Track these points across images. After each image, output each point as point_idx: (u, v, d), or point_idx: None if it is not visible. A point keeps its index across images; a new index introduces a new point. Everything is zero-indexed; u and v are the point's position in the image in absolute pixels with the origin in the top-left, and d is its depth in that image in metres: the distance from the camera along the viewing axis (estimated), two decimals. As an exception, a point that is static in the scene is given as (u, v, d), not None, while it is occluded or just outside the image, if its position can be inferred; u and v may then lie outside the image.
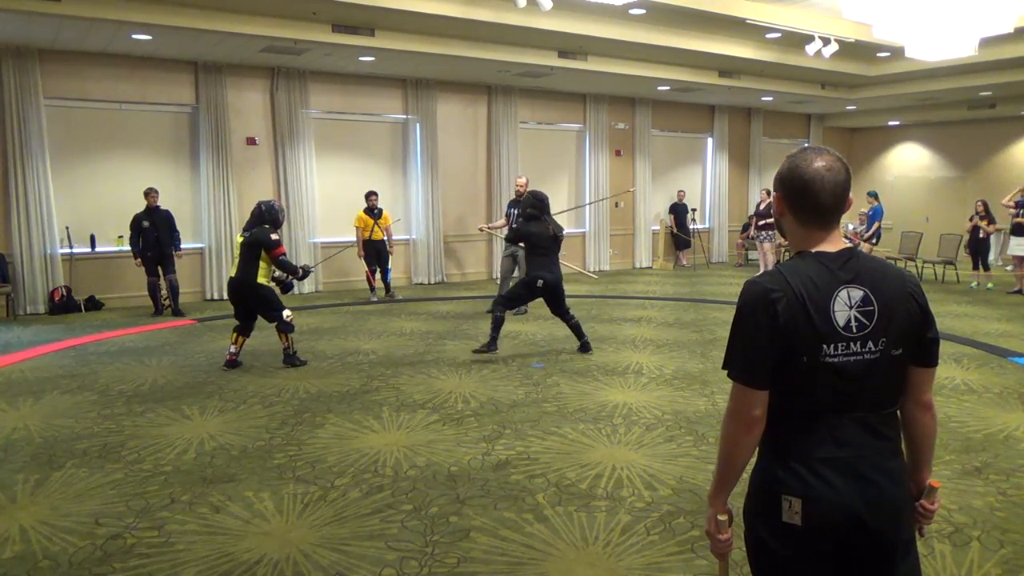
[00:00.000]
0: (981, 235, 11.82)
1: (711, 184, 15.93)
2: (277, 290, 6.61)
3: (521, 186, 9.52)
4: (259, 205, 6.48)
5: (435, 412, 5.21)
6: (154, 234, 9.05)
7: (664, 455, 4.36)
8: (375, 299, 10.45)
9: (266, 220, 6.38)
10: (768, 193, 13.75)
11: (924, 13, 7.01)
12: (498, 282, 9.72)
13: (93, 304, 9.64)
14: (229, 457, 4.35)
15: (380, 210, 10.42)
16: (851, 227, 13.68)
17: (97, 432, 4.80)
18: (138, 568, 3.08)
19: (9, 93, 9.03)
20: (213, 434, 4.76)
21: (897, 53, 10.59)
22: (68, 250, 9.56)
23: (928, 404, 1.76)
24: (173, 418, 5.11)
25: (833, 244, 1.70)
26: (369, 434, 4.76)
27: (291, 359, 6.54)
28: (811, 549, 1.65)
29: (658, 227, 14.86)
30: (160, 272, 9.19)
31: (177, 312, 9.19)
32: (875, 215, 12.97)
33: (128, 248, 9.26)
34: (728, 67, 12.05)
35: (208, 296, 10.54)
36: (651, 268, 14.69)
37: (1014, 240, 11.14)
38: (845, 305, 1.64)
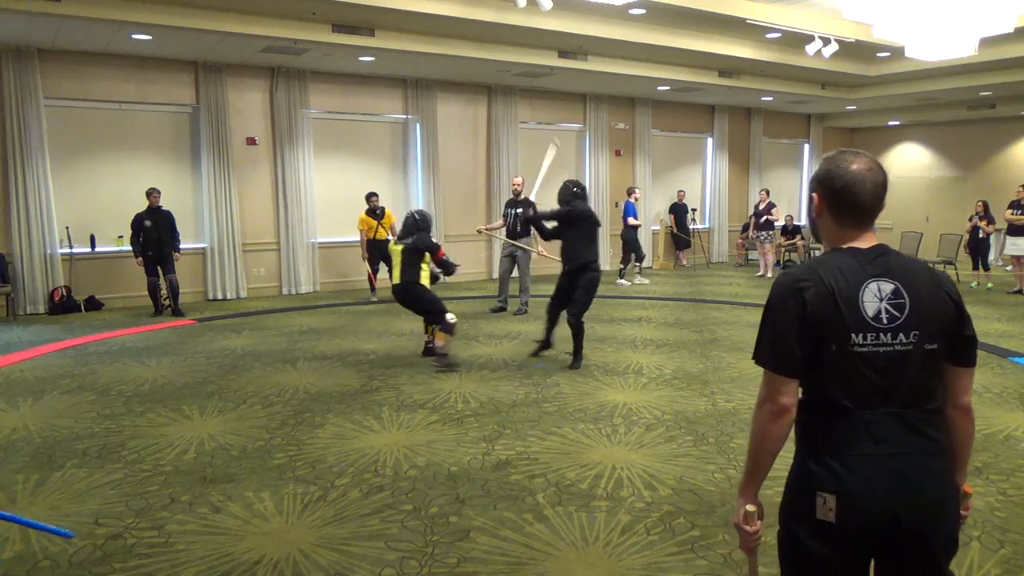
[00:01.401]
0: (981, 235, 11.82)
1: (711, 184, 15.94)
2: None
3: (518, 185, 9.42)
4: (412, 215, 6.76)
5: (435, 412, 5.21)
6: (155, 234, 9.05)
7: (664, 455, 4.36)
8: (375, 299, 10.45)
9: (421, 227, 6.65)
10: (768, 193, 13.76)
11: (924, 13, 7.01)
12: (497, 282, 9.70)
13: (93, 304, 9.64)
14: (229, 457, 4.35)
15: (382, 209, 10.42)
16: None
17: (97, 432, 4.80)
18: (138, 568, 3.08)
19: (9, 93, 9.03)
20: (213, 434, 4.76)
21: (897, 53, 10.59)
22: (68, 250, 9.56)
23: (966, 407, 1.75)
24: (173, 418, 5.11)
25: (866, 242, 1.74)
26: (369, 434, 4.76)
27: (441, 359, 6.56)
28: (846, 547, 1.65)
29: (658, 227, 14.86)
30: (160, 272, 9.19)
31: (177, 312, 9.19)
32: None
33: (128, 248, 9.26)
34: (728, 67, 12.05)
35: (209, 296, 10.54)
36: (651, 268, 14.68)
37: (1010, 240, 11.16)
38: (875, 297, 1.66)
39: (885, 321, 1.65)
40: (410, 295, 6.61)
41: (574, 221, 6.35)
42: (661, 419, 5.04)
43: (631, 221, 12.07)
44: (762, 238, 13.36)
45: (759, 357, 1.74)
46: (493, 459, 4.30)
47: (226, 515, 3.58)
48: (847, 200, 1.71)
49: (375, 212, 10.32)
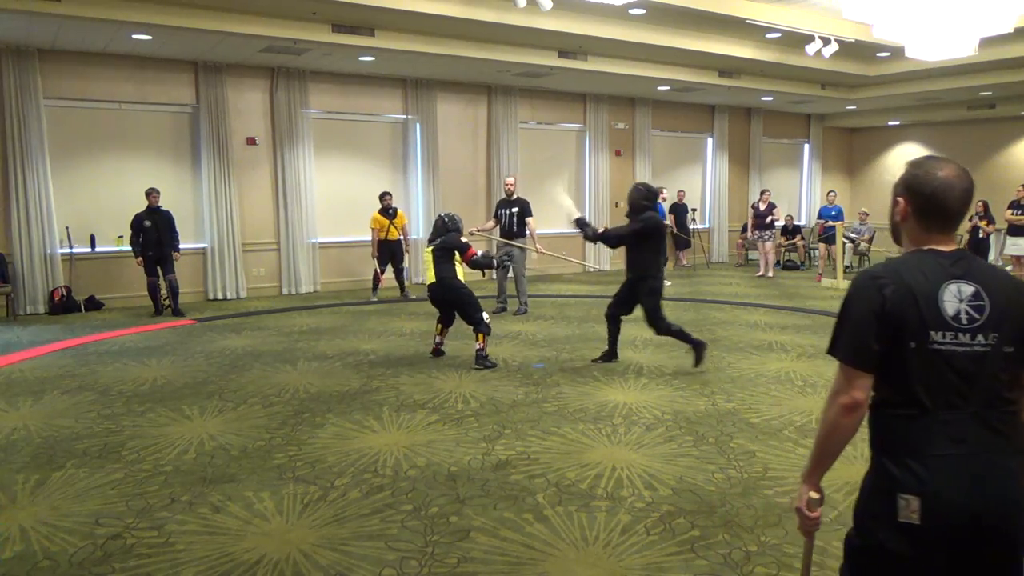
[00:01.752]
0: (981, 235, 11.81)
1: (711, 184, 15.94)
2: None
3: (510, 185, 9.30)
4: (440, 217, 6.89)
5: (435, 412, 5.21)
6: (155, 234, 9.05)
7: (664, 455, 4.36)
8: (375, 299, 10.44)
9: (451, 228, 6.72)
10: (769, 193, 13.76)
11: (924, 13, 7.01)
12: (496, 283, 9.66)
13: (93, 304, 9.64)
14: (229, 457, 4.35)
15: (395, 209, 10.41)
16: (858, 227, 13.72)
17: (97, 432, 4.80)
18: (138, 568, 3.08)
19: (9, 93, 9.03)
20: (213, 434, 4.76)
21: (897, 53, 10.59)
22: (68, 250, 9.56)
23: None
24: (173, 418, 5.11)
25: (948, 246, 1.76)
26: (369, 434, 4.76)
27: (483, 360, 6.50)
28: (929, 549, 1.65)
29: (658, 227, 14.85)
30: (160, 272, 9.19)
31: (177, 312, 9.19)
32: (823, 214, 13.24)
33: (128, 248, 9.26)
34: (728, 67, 12.06)
35: (209, 296, 10.54)
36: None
37: (1010, 240, 11.17)
38: (955, 298, 1.68)
39: (964, 322, 1.67)
40: (448, 291, 6.59)
41: (646, 236, 6.22)
42: (661, 419, 5.04)
43: None
44: (765, 238, 13.35)
45: (835, 350, 1.76)
46: (493, 459, 4.30)
47: (226, 515, 3.58)
48: (935, 206, 1.74)
49: (388, 211, 10.31)
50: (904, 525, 1.65)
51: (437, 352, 6.92)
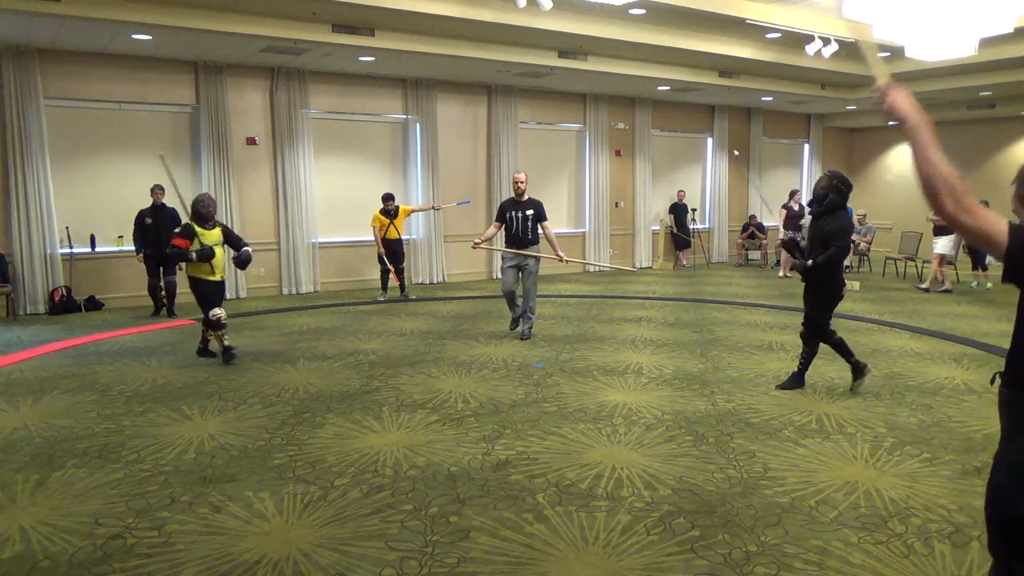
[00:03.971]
0: None
1: (711, 184, 15.94)
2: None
3: (521, 182, 7.68)
4: None
5: (435, 412, 5.21)
6: (155, 233, 9.03)
7: (664, 455, 4.36)
8: (382, 298, 10.43)
9: (198, 213, 6.58)
10: (800, 194, 13.68)
11: (924, 13, 7.01)
12: (502, 284, 8.27)
13: (93, 304, 9.64)
14: (229, 457, 4.35)
15: (397, 208, 10.39)
16: (858, 228, 13.71)
17: (97, 432, 4.80)
18: (138, 568, 3.08)
19: (9, 93, 9.03)
20: (213, 434, 4.76)
21: (897, 53, 10.58)
22: (68, 250, 9.56)
23: None
24: (173, 418, 5.11)
25: None
26: (369, 434, 4.76)
27: (201, 352, 6.88)
28: None
29: (658, 227, 14.87)
30: (160, 272, 9.17)
31: (171, 313, 9.16)
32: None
33: (128, 248, 9.26)
34: (728, 67, 12.06)
35: (208, 296, 10.53)
36: (651, 268, 14.69)
37: (935, 239, 11.32)
38: None
39: None
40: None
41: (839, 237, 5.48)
42: (661, 419, 5.04)
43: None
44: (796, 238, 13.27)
45: None
46: (493, 459, 4.30)
47: (226, 515, 3.58)
48: None
49: (389, 212, 10.28)
50: None
51: (203, 352, 6.91)
